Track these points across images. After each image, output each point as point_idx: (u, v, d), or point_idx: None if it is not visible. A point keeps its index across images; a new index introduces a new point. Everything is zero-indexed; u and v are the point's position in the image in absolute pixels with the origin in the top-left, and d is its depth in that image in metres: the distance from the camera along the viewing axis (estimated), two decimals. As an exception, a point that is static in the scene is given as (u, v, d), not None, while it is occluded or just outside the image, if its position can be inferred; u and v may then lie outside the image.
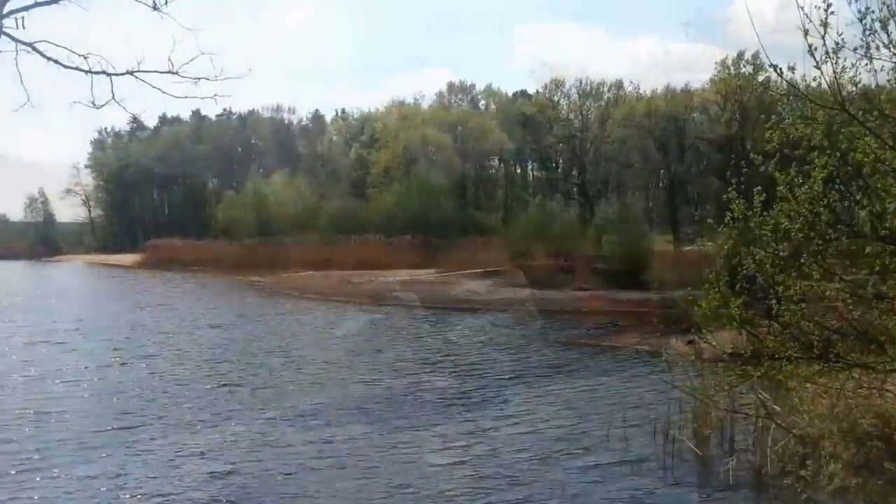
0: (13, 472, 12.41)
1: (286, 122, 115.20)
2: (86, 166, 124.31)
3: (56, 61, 3.34)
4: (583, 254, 45.42)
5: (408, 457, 13.17)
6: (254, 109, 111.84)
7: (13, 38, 3.23)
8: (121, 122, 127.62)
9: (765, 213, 8.13)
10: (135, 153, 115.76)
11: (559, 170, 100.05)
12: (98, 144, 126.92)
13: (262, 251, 73.60)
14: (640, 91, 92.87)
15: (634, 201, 74.44)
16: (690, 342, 13.01)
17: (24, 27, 3.21)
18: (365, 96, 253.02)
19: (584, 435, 14.53)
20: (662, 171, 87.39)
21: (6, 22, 3.19)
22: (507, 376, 20.49)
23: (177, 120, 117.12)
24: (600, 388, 18.89)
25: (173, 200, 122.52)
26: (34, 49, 3.28)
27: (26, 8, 3.19)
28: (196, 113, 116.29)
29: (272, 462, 12.95)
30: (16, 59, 3.29)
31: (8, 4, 3.16)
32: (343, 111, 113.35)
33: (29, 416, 16.04)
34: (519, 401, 17.42)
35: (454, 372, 21.19)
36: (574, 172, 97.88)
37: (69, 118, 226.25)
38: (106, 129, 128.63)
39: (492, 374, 20.92)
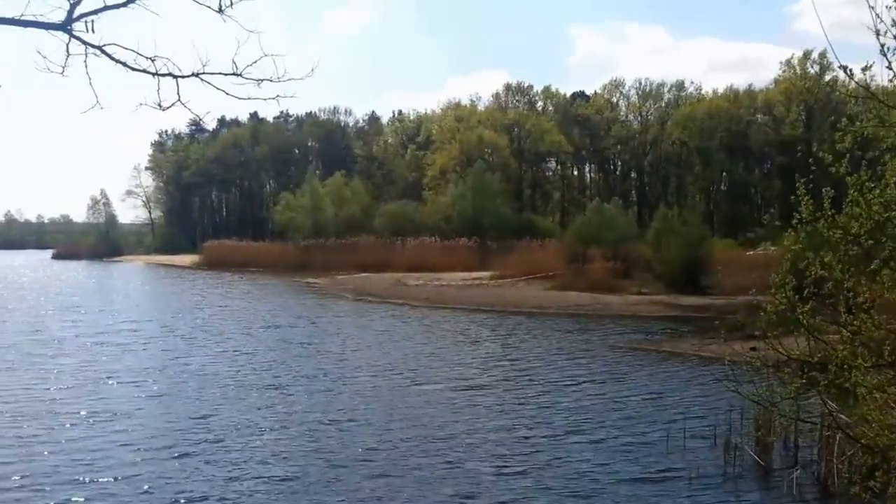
0: (75, 474, 12.45)
1: (342, 123, 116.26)
2: (146, 168, 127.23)
3: (124, 64, 3.39)
4: (641, 257, 44.98)
5: (462, 465, 13.10)
6: (311, 111, 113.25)
7: (83, 42, 3.29)
8: (181, 124, 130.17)
9: (834, 216, 7.92)
10: (193, 155, 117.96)
11: (617, 172, 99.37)
12: (158, 146, 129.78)
13: (318, 252, 74.27)
14: (702, 92, 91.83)
15: (695, 204, 73.40)
16: (753, 348, 12.72)
17: (93, 31, 3.27)
18: (421, 98, 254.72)
19: (642, 443, 14.32)
20: (724, 173, 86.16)
21: (76, 25, 3.25)
22: (563, 382, 20.32)
23: (235, 122, 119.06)
24: (658, 394, 18.61)
25: (230, 202, 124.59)
26: (103, 52, 3.34)
27: (96, 11, 3.25)
28: (254, 115, 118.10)
29: (335, 466, 12.87)
30: (85, 62, 3.35)
31: (78, 8, 3.23)
32: (399, 113, 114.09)
33: (92, 417, 16.18)
34: (575, 407, 17.25)
35: (509, 378, 21.08)
36: (632, 174, 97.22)
37: (131, 120, 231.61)
38: (166, 131, 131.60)
39: (548, 379, 20.78)
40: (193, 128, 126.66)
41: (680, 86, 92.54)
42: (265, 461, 13.17)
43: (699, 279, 40.72)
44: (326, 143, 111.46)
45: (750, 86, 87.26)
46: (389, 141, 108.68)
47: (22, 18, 3.24)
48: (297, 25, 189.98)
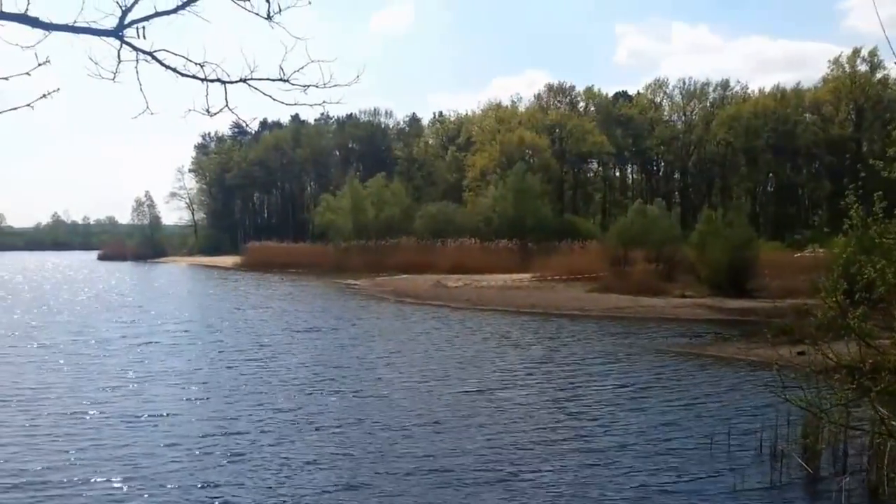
0: (119, 475, 12.47)
1: (383, 125, 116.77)
2: (189, 170, 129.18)
3: (174, 70, 3.46)
4: (685, 260, 44.57)
5: (504, 470, 13.03)
6: (351, 113, 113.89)
7: (134, 48, 3.36)
8: (223, 127, 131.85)
9: (886, 220, 7.78)
10: (236, 157, 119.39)
11: (660, 173, 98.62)
12: (201, 149, 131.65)
13: (358, 254, 74.72)
14: (748, 91, 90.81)
15: (740, 205, 72.56)
16: (802, 353, 12.54)
17: (144, 37, 3.34)
18: (465, 99, 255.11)
19: (685, 449, 14.15)
20: (771, 174, 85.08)
21: (128, 32, 3.32)
22: (605, 386, 20.15)
23: (277, 124, 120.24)
24: (702, 399, 18.37)
25: (272, 203, 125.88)
26: (154, 58, 3.40)
27: (147, 18, 3.32)
28: (295, 118, 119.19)
29: (382, 473, 12.75)
30: (136, 67, 3.42)
31: (129, 15, 3.30)
32: (440, 114, 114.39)
33: (137, 418, 16.29)
34: (617, 413, 17.08)
35: (551, 382, 20.96)
36: (676, 175, 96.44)
37: (175, 123, 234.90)
38: (209, 133, 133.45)
39: (590, 384, 20.61)
40: (236, 130, 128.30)
41: (725, 85, 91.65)
42: (311, 466, 13.09)
43: (745, 282, 40.23)
44: (367, 145, 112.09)
45: (798, 84, 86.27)
46: (430, 142, 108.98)
47: (75, 25, 3.31)
48: (339, 27, 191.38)
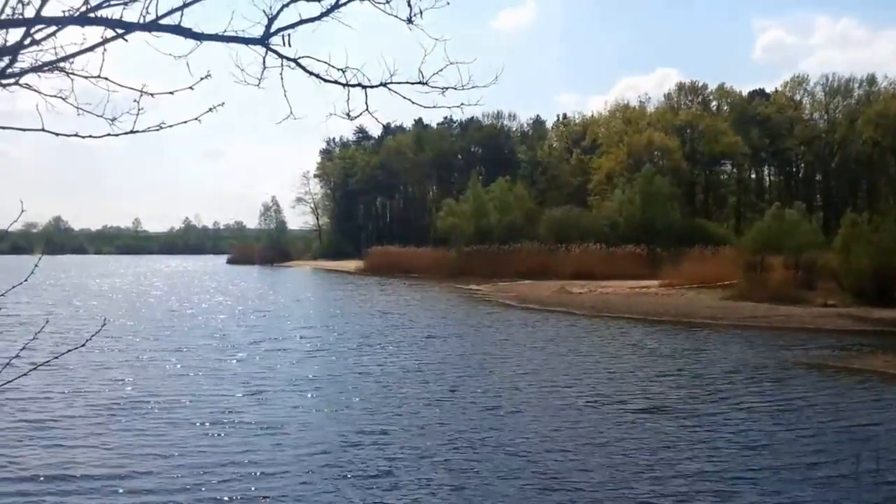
0: (245, 485, 12.46)
1: (506, 128, 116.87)
2: (314, 175, 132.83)
3: (317, 75, 3.62)
4: (827, 266, 42.78)
5: (637, 489, 12.89)
6: (473, 117, 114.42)
7: (279, 55, 3.55)
8: (347, 132, 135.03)
9: None
10: (360, 162, 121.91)
11: (800, 174, 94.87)
12: (326, 154, 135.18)
13: (480, 259, 75.05)
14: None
15: (888, 208, 68.90)
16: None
17: (289, 44, 3.52)
18: (592, 100, 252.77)
19: (828, 471, 13.46)
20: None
21: (273, 39, 3.51)
22: (742, 402, 19.37)
23: (399, 129, 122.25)
24: (847, 416, 17.51)
25: (394, 208, 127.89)
26: (298, 64, 3.58)
27: (292, 26, 3.50)
28: (418, 121, 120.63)
29: (514, 491, 12.88)
30: (281, 74, 3.61)
31: (275, 23, 3.49)
32: (564, 116, 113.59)
33: (262, 426, 16.27)
34: (756, 429, 16.45)
35: (682, 398, 20.48)
36: (817, 177, 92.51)
37: (302, 130, 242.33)
38: (333, 138, 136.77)
39: (726, 398, 19.95)
40: (359, 135, 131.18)
41: (871, 80, 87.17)
42: (438, 481, 12.82)
43: (893, 290, 38.29)
44: (490, 149, 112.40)
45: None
46: (554, 145, 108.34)
47: (225, 35, 3.51)
48: (463, 27, 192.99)
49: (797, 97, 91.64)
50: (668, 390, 20.76)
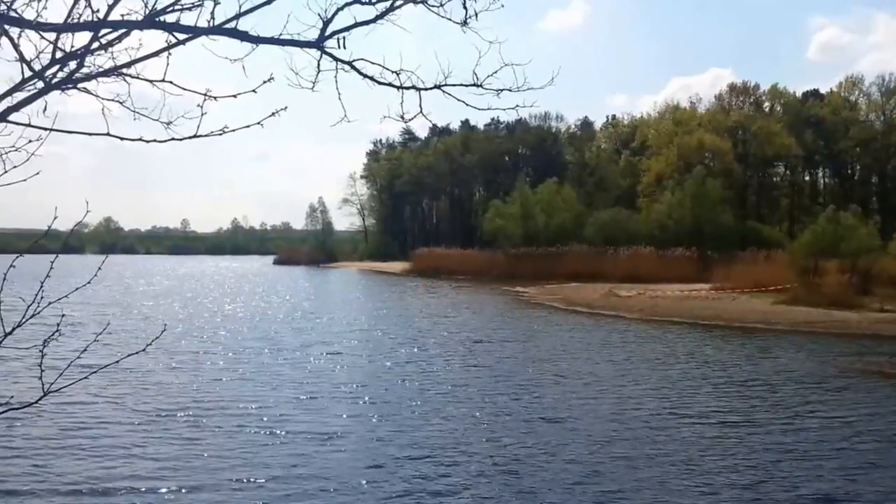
0: (295, 495, 12.28)
1: (553, 130, 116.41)
2: (361, 177, 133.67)
3: (371, 78, 3.67)
4: (884, 271, 41.95)
5: (674, 495, 12.78)
6: (521, 118, 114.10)
7: (334, 58, 3.60)
8: (394, 134, 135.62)
9: None
10: (406, 163, 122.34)
11: (855, 177, 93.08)
12: (373, 155, 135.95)
13: (527, 261, 74.92)
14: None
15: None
16: None
17: (344, 47, 3.57)
18: (641, 101, 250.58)
19: (882, 478, 13.24)
20: (985, 177, 78.69)
21: (328, 43, 3.57)
22: (797, 411, 18.98)
23: (446, 130, 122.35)
24: (902, 424, 17.20)
25: (440, 209, 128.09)
26: (352, 67, 3.63)
27: (347, 29, 3.55)
28: (465, 123, 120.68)
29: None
30: (335, 77, 3.67)
31: (330, 26, 3.55)
32: (613, 117, 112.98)
33: (312, 433, 15.95)
34: (812, 438, 16.16)
35: (732, 406, 20.26)
36: (873, 179, 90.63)
37: (349, 132, 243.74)
38: (380, 140, 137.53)
39: (778, 406, 19.63)
40: (406, 136, 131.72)
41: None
42: (492, 495, 12.53)
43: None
44: (537, 150, 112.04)
45: None
46: (602, 146, 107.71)
47: (280, 38, 3.59)
48: (515, 28, 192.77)
49: (852, 98, 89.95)
50: (721, 397, 20.49)
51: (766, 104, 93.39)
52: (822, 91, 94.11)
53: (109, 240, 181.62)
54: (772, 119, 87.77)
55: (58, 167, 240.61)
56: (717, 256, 60.70)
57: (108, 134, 3.43)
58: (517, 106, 3.85)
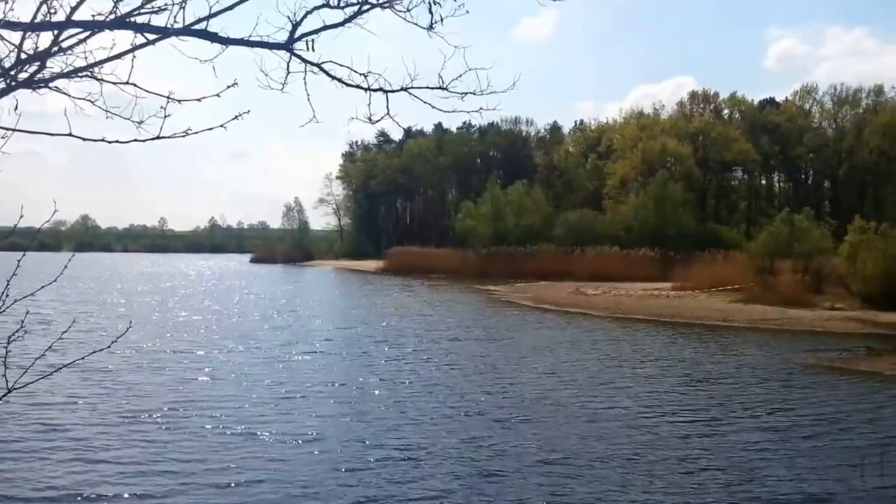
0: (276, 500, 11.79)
1: (524, 133, 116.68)
2: (337, 177, 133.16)
3: (339, 80, 3.61)
4: (835, 272, 42.44)
5: (630, 488, 12.80)
6: (493, 122, 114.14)
7: (303, 60, 3.53)
8: (369, 136, 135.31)
9: None
10: (381, 165, 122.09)
11: (809, 181, 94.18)
12: (348, 157, 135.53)
13: (498, 260, 74.99)
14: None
15: (895, 216, 68.18)
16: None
17: (313, 49, 3.50)
18: (604, 108, 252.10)
19: (833, 471, 13.35)
20: (930, 183, 79.84)
21: (297, 45, 3.50)
22: (749, 402, 19.30)
23: (420, 133, 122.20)
24: (852, 418, 17.32)
25: (414, 210, 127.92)
26: (321, 69, 3.57)
27: (316, 31, 3.48)
28: (438, 126, 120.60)
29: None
30: (304, 79, 3.60)
31: (299, 29, 3.48)
32: (581, 122, 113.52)
33: (290, 436, 15.21)
34: (764, 429, 16.37)
35: (691, 396, 20.44)
36: (825, 184, 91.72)
37: (325, 133, 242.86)
38: (356, 142, 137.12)
39: (733, 399, 19.84)
40: (381, 139, 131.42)
41: (878, 91, 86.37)
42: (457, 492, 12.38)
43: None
44: (508, 153, 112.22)
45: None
46: (570, 150, 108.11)
47: (250, 39, 3.50)
48: (485, 36, 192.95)
49: (807, 106, 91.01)
50: (678, 391, 20.66)
51: (726, 111, 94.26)
52: (779, 99, 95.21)
53: (86, 237, 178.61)
54: (730, 126, 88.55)
55: (35, 165, 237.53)
56: (678, 256, 61.09)
57: (70, 134, 3.32)
58: (481, 109, 3.80)
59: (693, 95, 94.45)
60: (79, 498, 11.49)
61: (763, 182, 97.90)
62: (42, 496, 11.58)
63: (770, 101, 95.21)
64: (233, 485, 12.15)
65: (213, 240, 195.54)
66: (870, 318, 35.16)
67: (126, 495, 11.56)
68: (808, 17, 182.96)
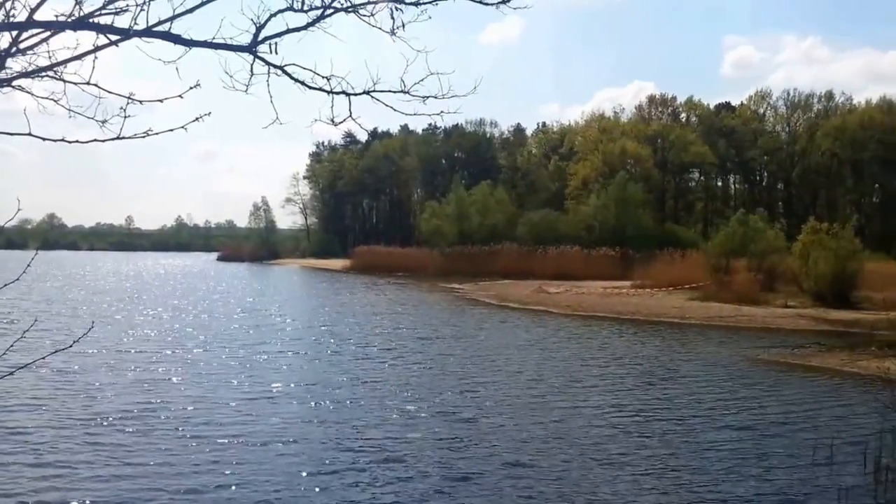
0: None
1: (488, 135, 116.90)
2: (304, 177, 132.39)
3: (302, 83, 3.58)
4: (788, 270, 43.10)
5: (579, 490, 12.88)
6: (457, 123, 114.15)
7: (266, 62, 3.50)
8: (336, 136, 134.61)
9: None
10: (347, 165, 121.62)
11: (763, 183, 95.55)
12: (315, 157, 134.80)
13: (462, 259, 75.03)
14: (853, 102, 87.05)
15: (848, 217, 69.47)
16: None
17: (276, 52, 3.48)
18: (567, 111, 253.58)
19: (786, 466, 13.50)
20: (877, 186, 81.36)
21: (261, 48, 3.47)
22: (703, 397, 19.52)
23: (386, 134, 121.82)
24: (804, 411, 17.60)
25: (380, 209, 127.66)
26: (284, 72, 3.54)
27: (279, 35, 3.46)
28: (404, 127, 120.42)
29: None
30: (267, 81, 3.57)
31: (263, 32, 3.45)
32: (543, 124, 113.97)
33: (260, 439, 14.68)
34: (716, 423, 16.56)
35: (648, 392, 20.61)
36: (779, 186, 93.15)
37: (291, 133, 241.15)
38: (323, 142, 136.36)
39: (687, 393, 20.09)
40: (348, 139, 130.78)
41: (829, 96, 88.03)
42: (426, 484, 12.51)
43: (849, 293, 38.69)
44: (472, 154, 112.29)
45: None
46: (533, 151, 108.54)
47: (213, 42, 3.46)
48: (451, 40, 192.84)
49: (761, 110, 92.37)
50: (635, 386, 20.82)
51: (683, 115, 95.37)
52: (734, 104, 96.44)
53: (52, 236, 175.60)
54: (688, 129, 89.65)
55: (5, 164, 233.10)
56: (638, 256, 61.56)
57: (29, 134, 3.27)
58: (442, 112, 3.80)
59: (651, 99, 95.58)
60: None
61: (719, 183, 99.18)
62: (0, 504, 11.06)
63: (726, 106, 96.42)
64: (199, 489, 11.65)
65: (180, 238, 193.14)
66: (821, 315, 35.72)
67: (88, 502, 11.00)
68: (763, 25, 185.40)
